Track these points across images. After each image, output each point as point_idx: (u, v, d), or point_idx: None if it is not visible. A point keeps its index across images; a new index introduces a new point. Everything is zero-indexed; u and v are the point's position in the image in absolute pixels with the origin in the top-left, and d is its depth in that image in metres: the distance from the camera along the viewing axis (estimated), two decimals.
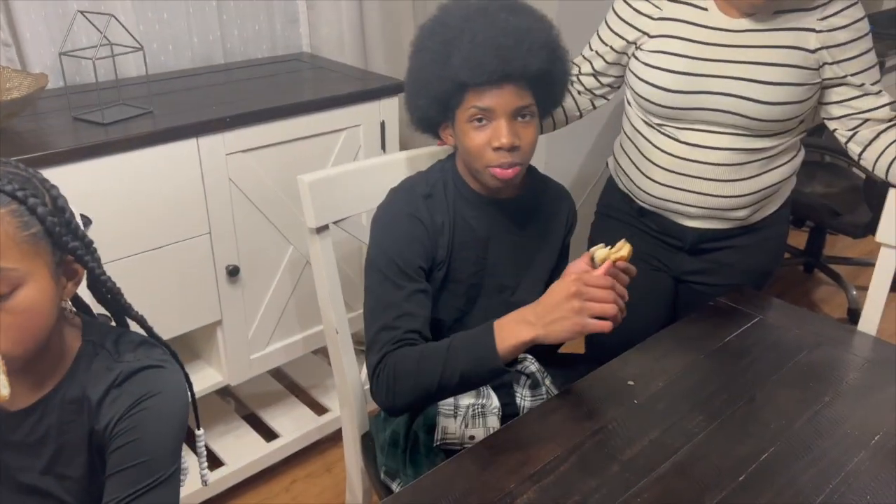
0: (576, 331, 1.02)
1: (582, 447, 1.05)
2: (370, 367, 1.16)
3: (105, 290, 0.91)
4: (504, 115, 1.13)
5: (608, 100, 1.58)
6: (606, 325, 1.02)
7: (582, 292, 1.01)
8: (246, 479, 1.86)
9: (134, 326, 0.97)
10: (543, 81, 1.18)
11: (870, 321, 1.35)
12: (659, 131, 1.42)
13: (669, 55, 1.37)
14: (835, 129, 1.41)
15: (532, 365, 1.35)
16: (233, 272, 1.60)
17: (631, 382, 1.19)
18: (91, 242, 0.87)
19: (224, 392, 2.08)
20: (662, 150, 1.42)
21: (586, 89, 1.55)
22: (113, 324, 0.99)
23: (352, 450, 1.47)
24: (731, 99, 1.32)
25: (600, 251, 1.08)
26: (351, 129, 1.71)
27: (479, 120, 1.14)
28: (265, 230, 1.65)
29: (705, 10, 1.36)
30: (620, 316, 1.05)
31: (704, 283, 1.53)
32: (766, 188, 1.42)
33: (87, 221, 1.15)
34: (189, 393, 0.93)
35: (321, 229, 1.33)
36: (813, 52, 1.31)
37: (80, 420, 0.87)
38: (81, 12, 1.43)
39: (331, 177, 1.32)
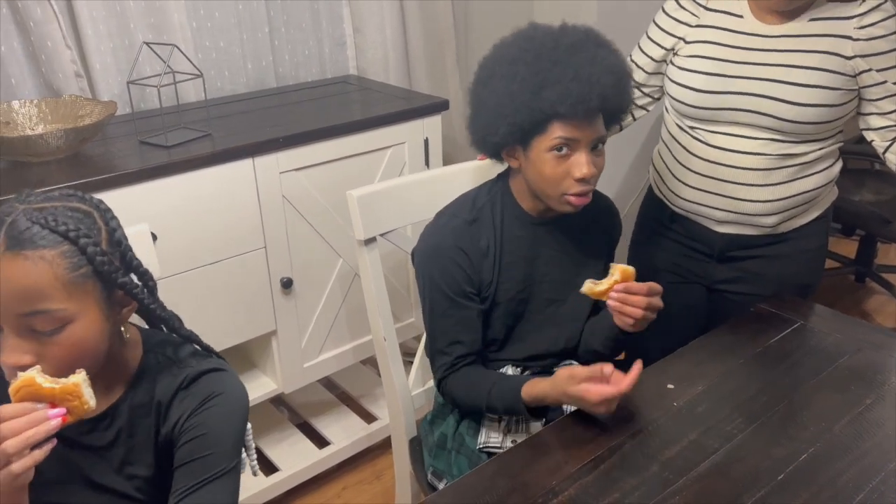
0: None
1: (622, 447, 1.08)
2: (435, 383, 1.33)
3: (155, 318, 0.96)
4: (586, 146, 1.17)
5: (647, 111, 1.62)
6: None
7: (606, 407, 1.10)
8: (299, 485, 1.93)
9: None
10: (618, 113, 1.24)
11: None
12: (691, 135, 1.45)
13: (703, 59, 1.40)
14: (872, 140, 1.42)
15: None
16: (286, 284, 1.68)
17: (671, 386, 1.22)
18: (145, 272, 0.92)
19: (278, 402, 2.16)
20: (693, 154, 1.45)
21: None
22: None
23: (401, 452, 1.52)
24: (761, 99, 1.35)
25: (586, 287, 1.17)
26: (396, 146, 1.79)
27: (560, 149, 1.16)
28: (316, 244, 1.73)
29: (741, 17, 1.40)
30: (650, 317, 1.19)
31: (737, 291, 1.54)
32: (797, 195, 1.42)
33: (153, 237, 1.25)
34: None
35: (369, 241, 1.40)
36: (849, 58, 1.33)
37: (148, 422, 0.94)
38: (147, 43, 1.54)
39: (378, 191, 1.39)
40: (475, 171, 1.48)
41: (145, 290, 0.91)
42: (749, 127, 1.38)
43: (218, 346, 1.63)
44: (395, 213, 1.41)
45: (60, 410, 0.79)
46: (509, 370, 1.35)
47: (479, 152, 1.30)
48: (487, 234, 1.28)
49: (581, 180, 1.18)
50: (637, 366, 1.11)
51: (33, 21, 1.55)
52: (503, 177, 1.32)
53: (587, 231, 1.36)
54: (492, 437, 1.29)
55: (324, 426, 2.07)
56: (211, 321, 1.60)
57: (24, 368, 0.81)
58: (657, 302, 1.19)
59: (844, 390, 1.19)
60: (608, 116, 1.22)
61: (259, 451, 1.98)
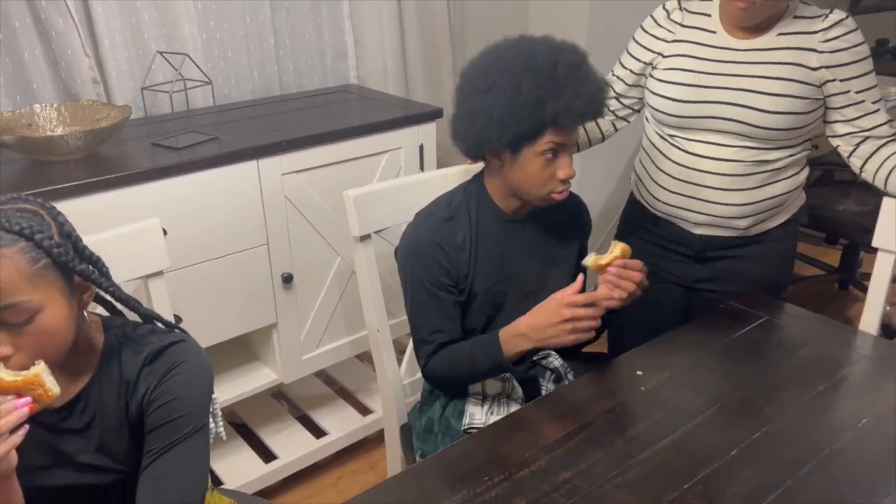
0: (567, 343, 1.27)
1: (591, 424, 1.18)
2: (421, 369, 1.43)
3: (115, 299, 1.03)
4: (569, 149, 1.31)
5: (628, 122, 1.72)
6: (591, 335, 1.27)
7: (572, 316, 1.24)
8: (297, 473, 2.03)
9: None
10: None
11: (870, 322, 1.45)
12: (670, 142, 1.56)
13: (680, 71, 1.51)
14: (838, 146, 1.52)
15: (556, 360, 1.48)
16: (287, 279, 1.79)
17: (640, 372, 1.32)
18: (98, 259, 0.98)
19: (279, 395, 2.26)
20: (672, 160, 1.56)
21: (610, 111, 1.70)
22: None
23: (392, 438, 1.62)
24: (734, 108, 1.45)
25: (590, 259, 1.26)
26: (392, 151, 1.89)
27: (550, 154, 1.29)
28: (316, 242, 1.83)
29: (714, 32, 1.51)
30: (637, 293, 1.29)
31: (714, 290, 1.64)
32: (768, 199, 1.53)
33: (163, 232, 1.35)
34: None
35: (364, 238, 1.50)
36: (815, 69, 1.43)
37: (119, 400, 1.01)
38: (160, 53, 1.66)
39: (372, 192, 1.50)
40: (463, 174, 1.58)
41: (101, 275, 0.98)
42: (723, 134, 1.49)
43: (222, 337, 1.76)
44: (388, 211, 1.51)
45: (27, 399, 0.85)
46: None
47: (463, 152, 1.40)
48: (463, 230, 1.38)
49: (565, 180, 1.30)
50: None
51: (55, 31, 1.67)
52: (479, 177, 1.43)
53: (559, 226, 1.46)
54: (475, 419, 1.39)
55: (321, 418, 2.17)
56: (216, 313, 1.71)
57: (5, 359, 0.87)
58: (645, 280, 1.30)
59: (801, 378, 1.29)
60: None
61: (259, 441, 2.08)
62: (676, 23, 1.55)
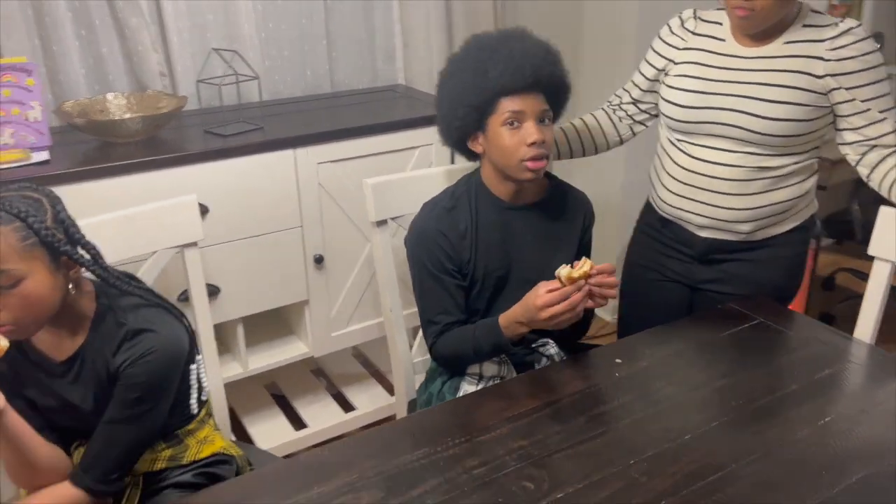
0: (558, 328, 1.37)
1: (559, 402, 1.27)
2: (428, 349, 1.54)
3: (99, 278, 1.21)
4: (532, 117, 1.39)
5: (646, 126, 1.78)
6: (576, 316, 1.34)
7: (549, 316, 1.32)
8: (323, 443, 2.19)
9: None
10: (557, 91, 1.45)
11: (864, 331, 1.45)
12: (677, 147, 1.61)
13: (688, 77, 1.57)
14: (846, 154, 1.54)
15: (552, 348, 1.57)
16: (318, 260, 1.94)
17: (618, 360, 1.39)
18: (87, 243, 1.16)
19: (318, 373, 2.43)
20: (678, 164, 1.61)
21: (627, 115, 1.76)
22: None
23: (400, 410, 1.75)
24: (736, 114, 1.49)
25: (563, 271, 1.31)
26: (424, 147, 2.02)
27: (512, 123, 1.38)
28: (347, 228, 1.98)
29: (723, 40, 1.56)
30: (599, 301, 1.35)
31: (718, 291, 1.67)
32: (771, 206, 1.55)
33: (204, 209, 1.52)
34: (187, 340, 1.26)
35: (380, 223, 1.63)
36: (820, 77, 1.46)
37: (102, 362, 1.20)
38: (215, 49, 1.85)
39: (390, 181, 1.63)
40: (470, 169, 1.68)
41: (90, 258, 1.17)
42: (726, 140, 1.53)
43: (257, 308, 1.93)
44: (404, 200, 1.63)
45: None
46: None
47: (447, 145, 1.51)
48: (465, 218, 1.49)
49: (533, 144, 1.38)
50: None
51: (129, 28, 1.89)
52: (478, 171, 1.53)
53: (559, 218, 1.54)
54: (469, 393, 1.49)
55: (353, 395, 2.32)
56: (252, 286, 1.88)
57: None
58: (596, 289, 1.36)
59: (776, 376, 1.32)
60: (551, 95, 1.43)
61: (294, 411, 2.25)
62: (689, 31, 1.61)
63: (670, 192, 1.64)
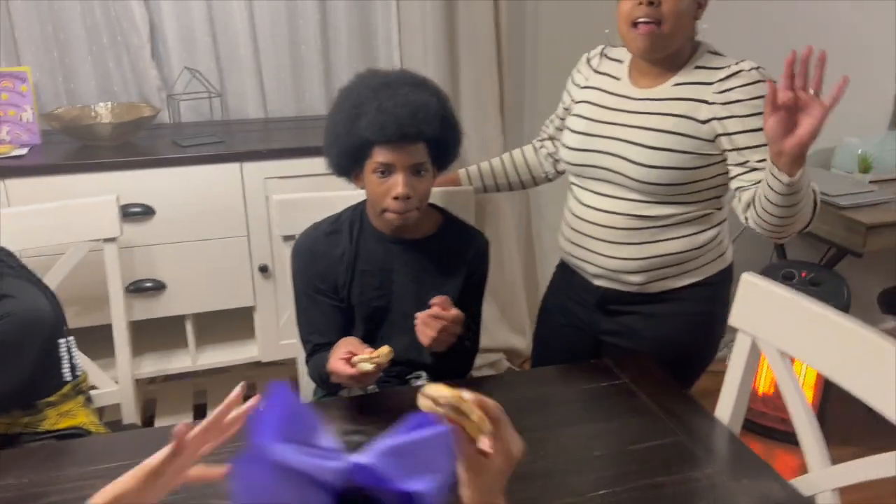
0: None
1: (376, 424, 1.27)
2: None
3: None
4: (402, 169, 1.39)
5: None
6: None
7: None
8: None
9: None
10: (437, 143, 1.44)
11: (723, 411, 1.31)
12: (571, 191, 1.56)
13: (579, 118, 1.52)
14: (733, 198, 1.43)
15: (422, 381, 1.56)
16: (263, 269, 2.06)
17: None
18: None
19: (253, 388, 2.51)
20: (569, 209, 1.56)
21: (548, 152, 1.73)
22: None
23: None
24: (614, 158, 1.43)
25: (361, 357, 1.30)
26: None
27: (382, 173, 1.41)
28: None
29: (619, 79, 1.49)
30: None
31: (617, 345, 1.58)
32: (659, 257, 1.46)
33: (150, 210, 1.67)
34: (49, 313, 1.38)
35: (287, 238, 1.72)
36: (704, 122, 1.37)
37: None
38: (188, 68, 2.04)
39: (296, 199, 1.71)
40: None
41: None
42: (607, 185, 1.46)
43: (202, 308, 2.07)
44: (310, 218, 1.70)
45: None
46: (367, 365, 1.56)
47: (333, 175, 1.55)
48: (343, 244, 1.53)
49: (396, 198, 1.39)
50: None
51: (131, 47, 2.13)
52: (365, 200, 1.57)
53: (445, 256, 1.54)
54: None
55: None
56: (199, 286, 2.03)
57: None
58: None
59: (581, 439, 1.24)
60: (432, 147, 1.42)
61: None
62: (592, 69, 1.56)
63: (565, 238, 1.59)
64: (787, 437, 2.40)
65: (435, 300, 1.34)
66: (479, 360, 2.75)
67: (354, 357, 1.30)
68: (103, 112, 2.08)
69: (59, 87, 2.15)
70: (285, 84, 2.33)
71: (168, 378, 2.42)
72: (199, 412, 2.37)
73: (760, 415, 2.47)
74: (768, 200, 1.28)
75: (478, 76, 2.42)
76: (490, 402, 0.75)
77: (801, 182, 1.23)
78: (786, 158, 1.20)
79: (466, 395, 0.74)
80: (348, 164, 1.46)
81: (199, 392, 2.40)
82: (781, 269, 2.40)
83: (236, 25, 2.20)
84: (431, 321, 1.33)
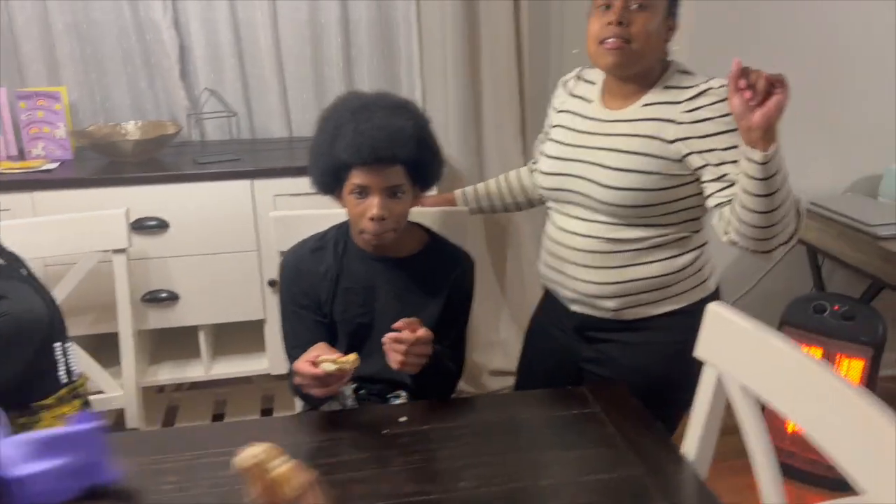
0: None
1: (316, 446, 1.29)
2: None
3: None
4: (378, 191, 1.41)
5: None
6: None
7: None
8: None
9: None
10: (414, 165, 1.46)
11: (689, 445, 1.25)
12: (548, 216, 1.54)
13: (553, 142, 1.51)
14: (711, 218, 1.38)
15: (401, 400, 1.57)
16: (272, 283, 2.11)
17: (403, 419, 1.36)
18: None
19: (268, 400, 2.51)
20: (546, 234, 1.54)
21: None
22: None
23: None
24: (585, 182, 1.40)
25: (325, 362, 1.30)
26: None
27: (359, 194, 1.43)
28: None
29: (590, 102, 1.47)
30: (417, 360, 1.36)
31: (596, 373, 1.55)
32: (633, 282, 1.42)
33: (164, 224, 1.76)
34: (45, 317, 1.43)
35: (283, 253, 1.76)
36: (671, 142, 1.33)
37: None
38: (208, 89, 2.13)
39: (292, 216, 1.76)
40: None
41: None
42: (580, 208, 1.44)
43: (215, 319, 2.14)
44: (306, 235, 1.74)
45: None
46: (347, 389, 1.58)
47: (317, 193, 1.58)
48: (328, 261, 1.56)
49: (372, 220, 1.41)
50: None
51: (161, 69, 2.25)
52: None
53: (428, 275, 1.54)
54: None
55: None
56: (212, 298, 2.10)
57: None
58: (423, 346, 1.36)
59: (544, 467, 1.22)
60: (411, 169, 1.43)
61: None
62: (568, 92, 1.54)
63: (542, 263, 1.57)
64: (822, 481, 2.27)
65: (398, 324, 1.35)
66: (499, 382, 2.74)
67: (320, 357, 1.32)
68: (132, 129, 2.19)
69: (97, 106, 2.29)
70: (309, 103, 2.40)
71: (193, 386, 2.52)
72: (217, 420, 2.44)
73: (789, 455, 2.34)
74: (746, 192, 1.24)
75: (499, 97, 2.42)
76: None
77: (776, 162, 1.21)
78: (756, 132, 1.19)
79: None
80: (330, 183, 1.49)
81: (219, 402, 2.49)
82: (813, 302, 2.28)
83: (261, 47, 2.28)
84: (395, 345, 1.34)
